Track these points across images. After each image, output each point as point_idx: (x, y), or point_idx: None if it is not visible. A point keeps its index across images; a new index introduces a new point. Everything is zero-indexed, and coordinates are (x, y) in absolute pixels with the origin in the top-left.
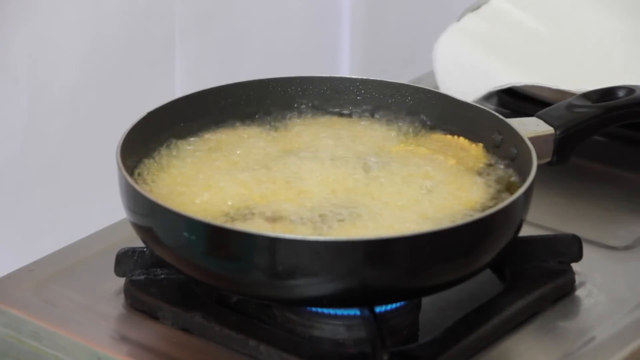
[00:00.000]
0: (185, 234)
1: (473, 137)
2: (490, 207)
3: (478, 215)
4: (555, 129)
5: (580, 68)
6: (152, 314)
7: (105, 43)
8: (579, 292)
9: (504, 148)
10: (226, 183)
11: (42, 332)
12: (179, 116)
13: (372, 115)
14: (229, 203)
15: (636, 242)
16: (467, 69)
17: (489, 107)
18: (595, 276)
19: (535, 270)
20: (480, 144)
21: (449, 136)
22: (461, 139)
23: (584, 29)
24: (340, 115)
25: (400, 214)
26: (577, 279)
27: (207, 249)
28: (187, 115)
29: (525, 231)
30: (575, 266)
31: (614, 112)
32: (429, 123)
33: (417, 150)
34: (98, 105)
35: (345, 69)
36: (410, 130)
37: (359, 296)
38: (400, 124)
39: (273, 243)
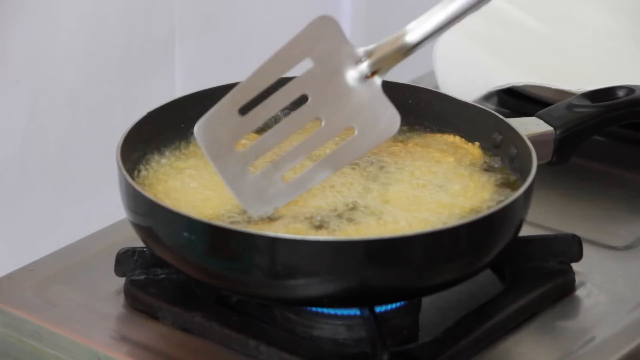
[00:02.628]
0: (185, 234)
1: (473, 137)
2: (491, 206)
3: (478, 215)
4: (555, 129)
5: (580, 68)
6: (152, 314)
7: (105, 43)
8: (579, 292)
9: (504, 148)
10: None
11: (42, 332)
12: (179, 116)
13: None
14: (229, 205)
15: (636, 242)
16: (467, 69)
17: (489, 107)
18: (595, 276)
19: (535, 270)
20: (477, 143)
21: (445, 135)
22: (457, 138)
23: (584, 29)
24: None
25: (401, 213)
26: (577, 279)
27: (207, 249)
28: (188, 115)
29: (525, 231)
30: (575, 266)
31: (614, 112)
32: (428, 123)
33: (414, 149)
34: (98, 105)
35: None
36: (406, 130)
37: (359, 296)
38: (401, 124)
39: (273, 243)
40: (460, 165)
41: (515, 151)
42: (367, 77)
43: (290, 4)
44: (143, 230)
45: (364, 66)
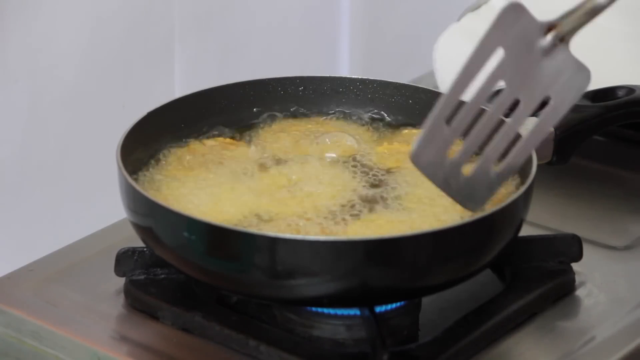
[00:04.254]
0: (185, 234)
1: None
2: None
3: (478, 215)
4: (555, 129)
5: None
6: (152, 314)
7: (105, 43)
8: (579, 292)
9: None
10: (227, 185)
11: (42, 332)
12: (179, 116)
13: (372, 115)
14: (230, 207)
15: (636, 242)
16: None
17: (489, 107)
18: (595, 276)
19: (535, 270)
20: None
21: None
22: None
23: (584, 29)
24: (340, 115)
25: (403, 214)
26: (577, 279)
27: (207, 249)
28: (188, 115)
29: (525, 231)
30: (575, 266)
31: (614, 112)
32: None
33: (403, 149)
34: (98, 105)
35: (345, 69)
36: (381, 128)
37: (359, 296)
38: (400, 123)
39: (273, 243)
40: None
41: None
42: (556, 45)
43: (290, 4)
44: (143, 230)
45: (553, 36)
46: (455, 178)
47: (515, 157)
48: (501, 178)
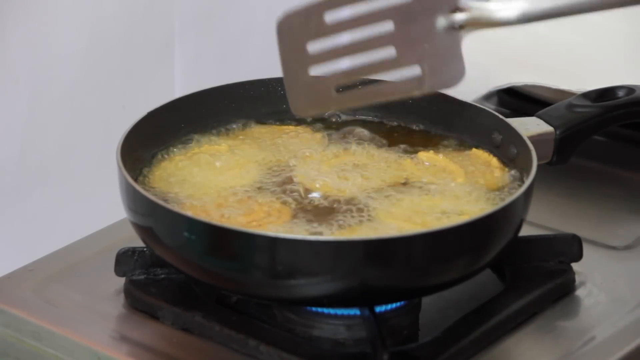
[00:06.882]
0: (185, 234)
1: (473, 137)
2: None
3: (478, 215)
4: (555, 129)
5: (580, 68)
6: (152, 314)
7: (105, 43)
8: (579, 292)
9: (504, 148)
10: (228, 186)
11: (42, 332)
12: (179, 116)
13: (373, 116)
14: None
15: (636, 242)
16: (467, 69)
17: (489, 107)
18: (595, 276)
19: (535, 270)
20: (511, 170)
21: (484, 153)
22: (494, 159)
23: (584, 29)
24: (340, 115)
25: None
26: (577, 278)
27: (207, 249)
28: (187, 115)
29: (525, 231)
30: (575, 266)
31: (614, 112)
32: (429, 123)
33: (447, 166)
34: (98, 105)
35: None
36: (449, 144)
37: (359, 296)
38: (402, 124)
39: (273, 243)
40: (486, 191)
41: (515, 151)
42: (454, 28)
43: (289, 4)
44: (143, 230)
45: (457, 17)
46: (300, 69)
47: (360, 95)
48: (339, 103)
